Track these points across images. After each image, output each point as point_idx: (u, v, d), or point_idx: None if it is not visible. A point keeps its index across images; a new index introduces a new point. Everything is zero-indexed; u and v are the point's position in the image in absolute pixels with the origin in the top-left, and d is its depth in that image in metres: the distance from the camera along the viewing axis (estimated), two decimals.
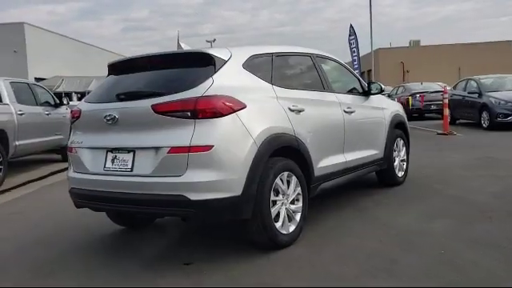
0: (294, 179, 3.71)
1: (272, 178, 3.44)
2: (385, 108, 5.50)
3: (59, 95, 10.76)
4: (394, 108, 5.79)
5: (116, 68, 3.97)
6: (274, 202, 3.51)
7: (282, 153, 3.59)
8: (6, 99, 8.27)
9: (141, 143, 3.36)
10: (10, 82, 8.67)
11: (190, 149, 3.13)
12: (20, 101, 8.63)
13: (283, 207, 3.61)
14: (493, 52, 39.36)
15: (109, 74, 4.03)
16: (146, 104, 3.30)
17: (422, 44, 46.34)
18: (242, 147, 3.26)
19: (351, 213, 4.58)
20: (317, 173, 4.04)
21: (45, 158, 10.24)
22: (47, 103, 9.81)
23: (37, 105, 9.32)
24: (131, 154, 3.40)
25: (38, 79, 26.67)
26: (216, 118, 3.18)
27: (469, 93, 13.69)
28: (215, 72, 3.40)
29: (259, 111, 3.51)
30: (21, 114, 8.39)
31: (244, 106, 3.34)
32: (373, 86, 5.19)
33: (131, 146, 3.41)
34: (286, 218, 3.62)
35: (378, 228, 4.03)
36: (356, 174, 4.82)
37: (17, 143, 8.26)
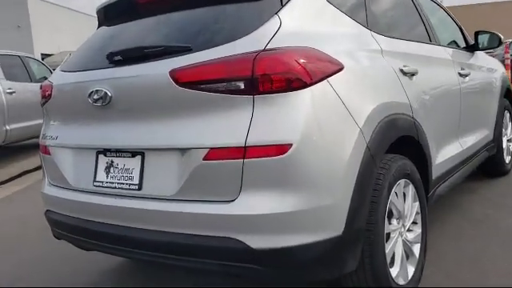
0: (411, 190, 2.20)
1: (386, 193, 1.94)
2: (494, 69, 3.91)
3: None
4: (501, 69, 4.17)
5: (111, 14, 2.43)
6: (388, 236, 2.02)
7: (396, 147, 2.08)
8: None
9: (154, 141, 1.87)
10: None
11: (246, 151, 1.64)
12: (10, 77, 7.22)
13: (399, 240, 2.12)
14: None
15: (99, 26, 2.51)
16: (161, 69, 1.80)
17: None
18: (341, 144, 1.75)
19: (471, 225, 3.07)
20: (434, 173, 2.54)
21: None
22: (45, 79, 8.36)
23: (31, 81, 7.88)
24: (138, 158, 1.93)
25: (44, 55, 25.30)
26: (293, 92, 1.67)
27: None
28: (283, 6, 1.86)
29: (363, 76, 1.99)
30: (10, 93, 6.98)
31: (340, 67, 1.82)
32: (482, 38, 3.59)
33: (137, 145, 1.93)
34: (404, 258, 2.14)
35: None
36: (470, 168, 3.29)
37: (8, 127, 6.89)
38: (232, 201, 1.68)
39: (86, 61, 2.22)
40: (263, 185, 1.64)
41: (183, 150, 1.77)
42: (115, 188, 1.98)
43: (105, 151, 2.04)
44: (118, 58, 1.98)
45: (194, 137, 1.74)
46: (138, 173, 1.92)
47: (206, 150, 1.70)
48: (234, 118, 1.68)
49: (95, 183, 2.06)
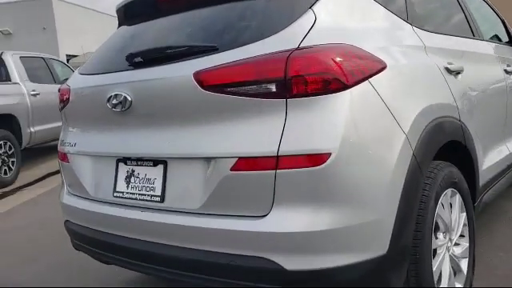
0: (458, 200, 2.00)
1: (433, 205, 1.75)
2: None
3: None
4: None
5: (131, 13, 2.28)
6: (434, 251, 1.82)
7: (441, 152, 1.88)
8: (15, 77, 6.85)
9: (177, 149, 1.72)
10: (21, 57, 7.24)
11: (278, 161, 1.47)
12: (34, 79, 7.21)
13: (446, 255, 1.92)
14: None
15: (119, 25, 2.38)
16: (184, 71, 1.65)
17: None
18: (385, 152, 1.57)
19: None
20: (481, 180, 2.32)
21: None
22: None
23: (55, 83, 7.87)
24: (160, 167, 1.78)
25: (69, 56, 25.66)
26: (331, 94, 1.49)
27: None
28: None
29: (407, 76, 1.79)
30: (35, 95, 6.97)
31: (382, 66, 1.64)
32: None
33: (159, 153, 1.78)
34: (452, 275, 1.94)
35: None
36: None
37: (32, 130, 6.88)
38: (263, 216, 1.51)
39: (105, 63, 2.09)
40: (298, 199, 1.47)
41: (209, 160, 1.62)
42: (136, 199, 1.84)
43: (125, 159, 1.91)
44: (138, 59, 1.83)
45: (220, 145, 1.59)
46: (161, 183, 1.78)
47: (234, 160, 1.54)
48: (265, 124, 1.51)
49: (115, 194, 1.93)
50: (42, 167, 7.10)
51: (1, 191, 5.77)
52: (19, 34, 27.32)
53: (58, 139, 7.83)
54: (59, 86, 7.92)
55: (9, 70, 6.86)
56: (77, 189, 2.15)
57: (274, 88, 1.50)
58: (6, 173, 6.07)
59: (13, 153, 6.26)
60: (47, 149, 8.20)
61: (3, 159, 6.07)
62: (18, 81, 6.85)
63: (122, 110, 1.81)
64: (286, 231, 1.47)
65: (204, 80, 1.59)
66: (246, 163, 1.52)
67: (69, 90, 2.14)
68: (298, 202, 1.47)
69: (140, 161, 1.86)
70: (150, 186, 1.81)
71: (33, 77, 7.21)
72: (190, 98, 1.64)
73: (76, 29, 29.52)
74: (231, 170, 1.54)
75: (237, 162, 1.53)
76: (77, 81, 2.16)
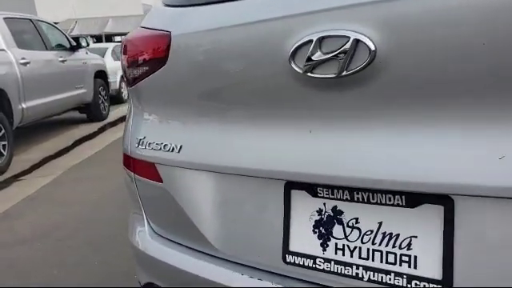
0: None
1: None
2: None
3: (75, 39, 7.91)
4: None
5: None
6: None
7: None
8: (0, 43, 5.61)
9: (499, 174, 0.67)
10: (5, 18, 5.98)
11: None
12: (22, 45, 5.98)
13: None
14: None
15: None
16: None
17: None
18: None
19: None
20: None
21: (65, 117, 7.54)
22: (61, 47, 7.15)
23: (46, 49, 6.65)
24: (429, 212, 0.75)
25: None
26: None
27: None
28: None
29: None
30: (24, 64, 5.76)
31: None
32: None
33: (436, 183, 0.73)
34: None
35: None
36: None
37: (24, 106, 5.71)
38: None
39: None
40: None
41: None
42: (357, 278, 0.81)
43: (312, 187, 0.86)
44: None
45: None
46: (439, 253, 0.75)
47: None
48: None
49: (289, 257, 0.90)
50: (36, 149, 6.00)
51: None
52: None
53: (53, 115, 6.37)
54: (51, 52, 6.70)
55: None
56: (178, 230, 1.11)
57: None
58: None
59: (4, 134, 5.11)
60: (39, 127, 7.02)
61: None
62: (4, 47, 5.61)
63: (340, 76, 0.75)
64: None
65: None
66: None
67: (168, 38, 1.04)
68: None
69: (354, 191, 0.82)
70: (399, 252, 0.78)
71: (21, 42, 5.98)
72: None
73: None
74: None
75: None
76: (183, 19, 1.06)
